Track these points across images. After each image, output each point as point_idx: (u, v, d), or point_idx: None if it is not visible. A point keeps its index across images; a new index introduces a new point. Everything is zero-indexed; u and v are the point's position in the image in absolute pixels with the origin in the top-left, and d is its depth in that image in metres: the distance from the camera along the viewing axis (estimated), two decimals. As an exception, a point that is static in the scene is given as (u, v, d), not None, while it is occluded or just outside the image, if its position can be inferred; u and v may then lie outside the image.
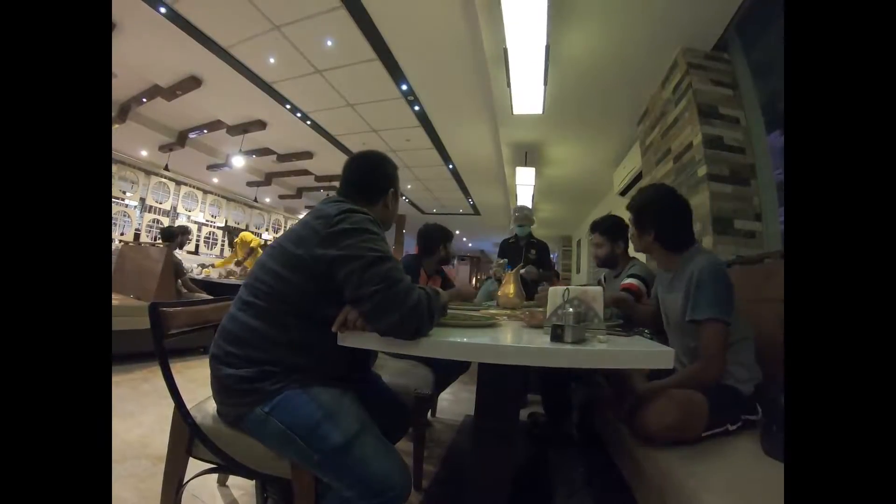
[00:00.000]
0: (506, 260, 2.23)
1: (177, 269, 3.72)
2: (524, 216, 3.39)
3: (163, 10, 3.38)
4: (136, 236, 7.62)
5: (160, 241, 4.09)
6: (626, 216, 2.22)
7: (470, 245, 17.57)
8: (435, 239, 2.34)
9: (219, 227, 9.66)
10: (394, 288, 0.84)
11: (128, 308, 3.05)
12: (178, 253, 3.93)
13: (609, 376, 1.55)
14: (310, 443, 0.85)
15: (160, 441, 1.77)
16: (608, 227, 2.09)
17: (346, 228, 0.89)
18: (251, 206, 10.32)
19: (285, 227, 11.46)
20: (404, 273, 0.90)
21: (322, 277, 0.89)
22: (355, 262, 0.86)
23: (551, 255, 3.79)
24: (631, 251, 2.16)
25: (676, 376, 1.24)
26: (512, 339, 0.95)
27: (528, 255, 3.27)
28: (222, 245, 9.63)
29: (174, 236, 4.20)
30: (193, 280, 4.33)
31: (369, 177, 1.16)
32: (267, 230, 11.04)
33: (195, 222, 9.02)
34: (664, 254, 1.42)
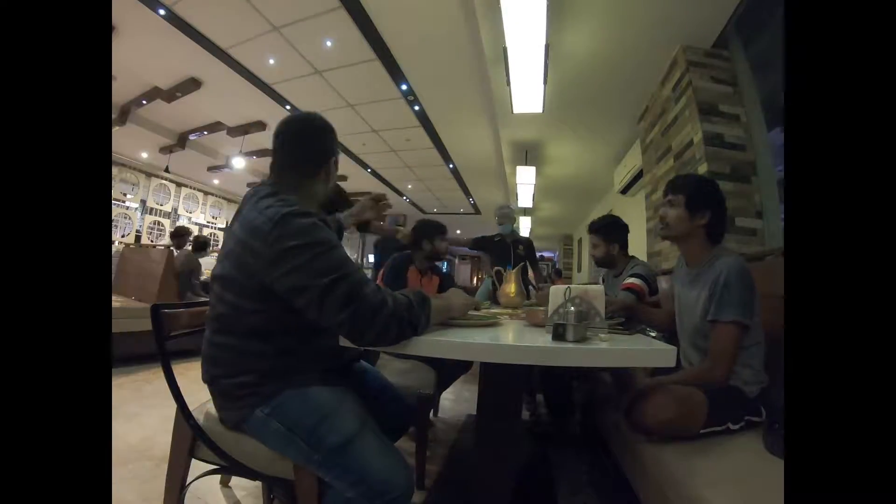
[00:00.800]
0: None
1: (194, 270, 3.84)
2: (504, 214, 3.42)
3: (162, 12, 3.39)
4: (137, 238, 7.64)
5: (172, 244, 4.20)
6: (627, 210, 2.23)
7: (471, 244, 17.55)
8: (420, 232, 2.32)
9: (220, 229, 9.68)
10: (360, 309, 0.78)
11: (129, 310, 3.06)
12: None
13: (612, 371, 1.55)
14: (310, 443, 0.85)
15: (163, 442, 1.77)
16: (603, 228, 2.10)
17: (287, 248, 0.79)
18: (252, 208, 10.33)
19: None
20: (366, 282, 0.82)
21: (285, 300, 0.83)
22: (309, 292, 0.78)
23: (553, 255, 3.85)
24: (631, 250, 2.17)
25: (682, 373, 1.24)
26: (513, 339, 0.95)
27: (517, 251, 3.29)
28: (223, 246, 9.64)
29: (181, 235, 4.32)
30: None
31: (310, 145, 1.01)
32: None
33: (196, 224, 9.04)
34: (702, 243, 1.34)
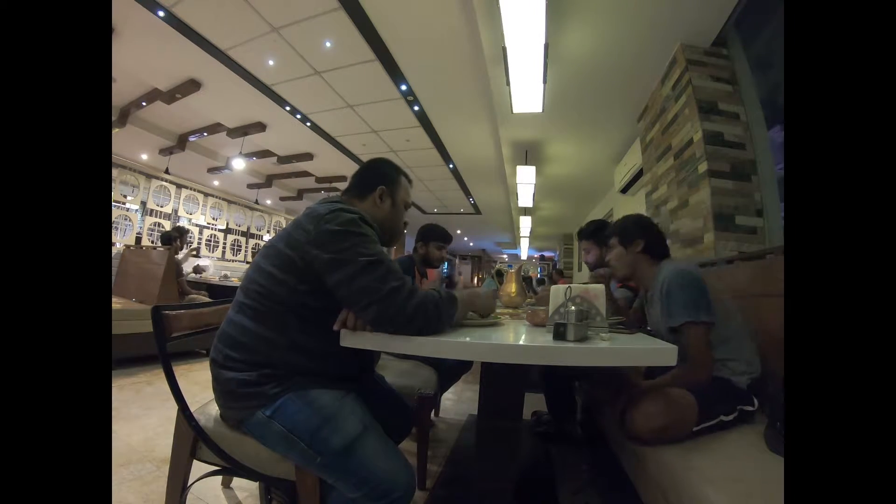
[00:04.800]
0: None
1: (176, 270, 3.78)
2: None
3: (161, 13, 3.39)
4: (138, 240, 7.64)
5: (160, 245, 4.15)
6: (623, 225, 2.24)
7: (471, 245, 17.57)
8: (420, 234, 2.33)
9: (220, 230, 9.67)
10: (391, 298, 0.83)
11: (130, 312, 3.06)
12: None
13: (606, 372, 1.56)
14: (312, 446, 0.85)
15: (164, 444, 1.77)
16: (593, 232, 2.13)
17: (334, 230, 0.88)
18: (252, 209, 10.33)
19: (286, 228, 11.43)
20: (401, 275, 0.88)
21: (314, 279, 0.89)
22: (346, 267, 0.85)
23: (553, 254, 3.81)
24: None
25: (667, 376, 1.25)
26: (514, 338, 0.95)
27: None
28: (223, 248, 9.65)
29: (172, 240, 4.24)
30: (190, 282, 4.35)
31: (363, 173, 1.17)
32: (268, 232, 11.06)
33: (197, 225, 9.04)
34: (649, 264, 1.44)
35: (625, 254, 1.47)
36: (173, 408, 0.99)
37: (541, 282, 9.84)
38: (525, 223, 8.53)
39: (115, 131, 5.73)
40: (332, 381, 0.94)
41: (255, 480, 1.09)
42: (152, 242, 7.74)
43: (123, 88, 4.93)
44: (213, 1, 3.23)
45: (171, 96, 4.87)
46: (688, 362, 1.22)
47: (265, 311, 0.91)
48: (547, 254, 15.55)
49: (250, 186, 9.05)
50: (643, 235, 1.46)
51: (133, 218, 7.75)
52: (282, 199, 10.31)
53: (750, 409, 1.18)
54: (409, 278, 0.90)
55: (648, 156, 3.39)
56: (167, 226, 8.23)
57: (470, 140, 5.58)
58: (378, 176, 1.15)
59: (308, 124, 5.46)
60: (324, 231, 0.88)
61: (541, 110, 3.44)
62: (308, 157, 6.91)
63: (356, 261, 0.85)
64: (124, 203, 7.57)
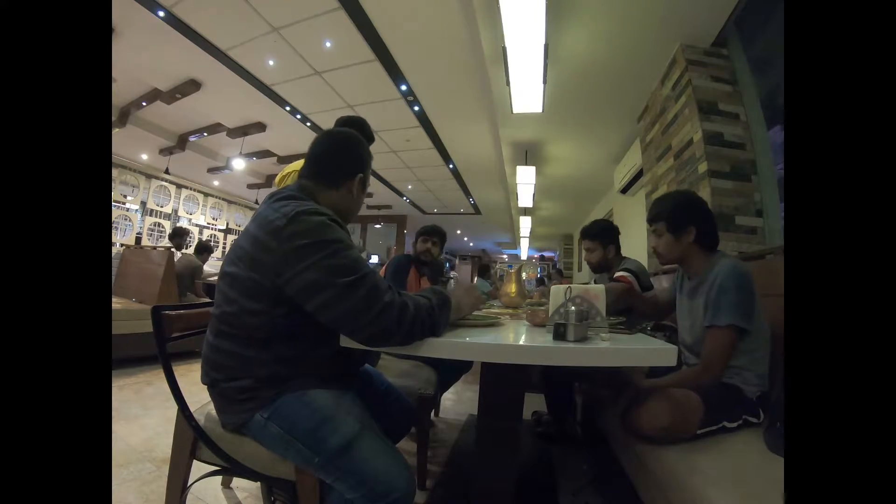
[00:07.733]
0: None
1: (195, 271, 3.84)
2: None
3: (161, 13, 3.39)
4: (138, 240, 7.64)
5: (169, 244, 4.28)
6: (622, 220, 2.24)
7: (471, 245, 17.57)
8: (416, 234, 2.40)
9: (220, 230, 9.68)
10: (383, 318, 0.77)
11: (130, 312, 3.06)
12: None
13: (607, 372, 1.55)
14: (310, 446, 0.85)
15: (164, 444, 1.77)
16: (598, 232, 2.12)
17: (302, 244, 0.79)
18: (252, 209, 10.33)
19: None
20: (383, 284, 0.82)
21: (290, 301, 0.82)
22: (325, 291, 0.77)
23: (553, 255, 3.79)
24: (631, 250, 2.18)
25: (675, 376, 1.24)
26: (514, 338, 0.95)
27: None
28: (223, 248, 9.66)
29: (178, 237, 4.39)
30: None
31: (337, 157, 1.01)
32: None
33: (196, 225, 9.05)
34: (699, 255, 1.33)
35: (674, 243, 1.34)
36: (173, 408, 0.99)
37: (541, 282, 9.85)
38: (525, 223, 8.53)
39: (115, 131, 5.73)
40: (330, 380, 0.93)
41: (255, 480, 1.09)
42: (151, 243, 7.74)
43: (123, 88, 4.94)
44: (213, 1, 3.24)
45: (171, 96, 4.87)
46: (703, 363, 1.20)
47: (244, 336, 0.87)
48: (547, 254, 15.55)
49: (250, 186, 9.05)
50: (697, 221, 1.32)
51: (133, 218, 7.76)
52: (282, 199, 10.30)
53: (755, 420, 1.15)
54: (389, 286, 0.83)
55: (648, 156, 3.40)
56: (167, 226, 8.24)
57: (470, 140, 5.59)
58: (357, 162, 1.02)
59: (308, 124, 5.46)
60: (290, 248, 0.79)
61: (541, 110, 3.45)
62: (308, 157, 6.91)
63: (336, 282, 0.77)
64: (124, 203, 7.58)
